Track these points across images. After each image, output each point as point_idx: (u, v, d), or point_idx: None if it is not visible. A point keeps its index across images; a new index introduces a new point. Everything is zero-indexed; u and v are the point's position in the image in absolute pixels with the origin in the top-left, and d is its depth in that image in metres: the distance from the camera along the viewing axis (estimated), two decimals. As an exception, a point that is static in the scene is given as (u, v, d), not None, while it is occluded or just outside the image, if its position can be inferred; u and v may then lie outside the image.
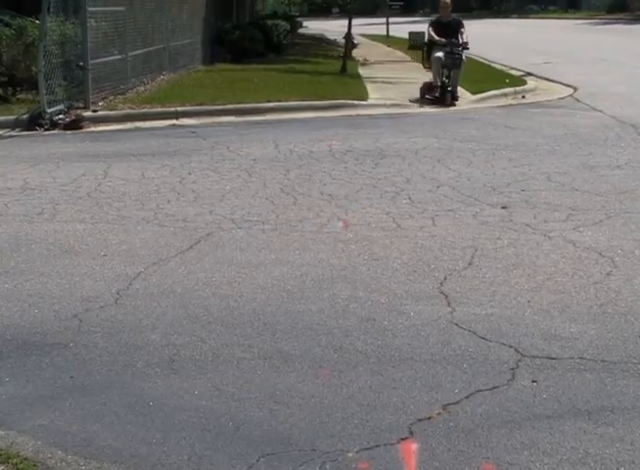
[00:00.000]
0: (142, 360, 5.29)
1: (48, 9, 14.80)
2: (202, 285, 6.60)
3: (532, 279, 6.64)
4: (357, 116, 16.07)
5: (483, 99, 18.23)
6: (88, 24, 15.88)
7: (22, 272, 6.97)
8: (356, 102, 17.14)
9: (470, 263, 7.00)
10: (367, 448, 4.25)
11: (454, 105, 17.10)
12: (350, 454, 4.21)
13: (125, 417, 4.60)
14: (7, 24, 17.77)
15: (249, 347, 5.46)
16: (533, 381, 4.94)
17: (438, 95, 17.29)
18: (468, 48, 17.80)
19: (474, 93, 18.67)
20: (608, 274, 6.74)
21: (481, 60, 27.87)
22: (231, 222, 8.36)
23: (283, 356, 5.31)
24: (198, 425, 4.51)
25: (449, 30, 17.78)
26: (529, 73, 23.07)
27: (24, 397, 4.85)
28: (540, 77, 22.28)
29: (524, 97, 18.71)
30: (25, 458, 4.16)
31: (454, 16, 18.62)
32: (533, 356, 5.25)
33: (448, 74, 17.34)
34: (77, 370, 5.18)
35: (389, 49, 35.48)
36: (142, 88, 19.02)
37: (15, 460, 4.13)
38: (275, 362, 5.23)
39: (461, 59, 17.33)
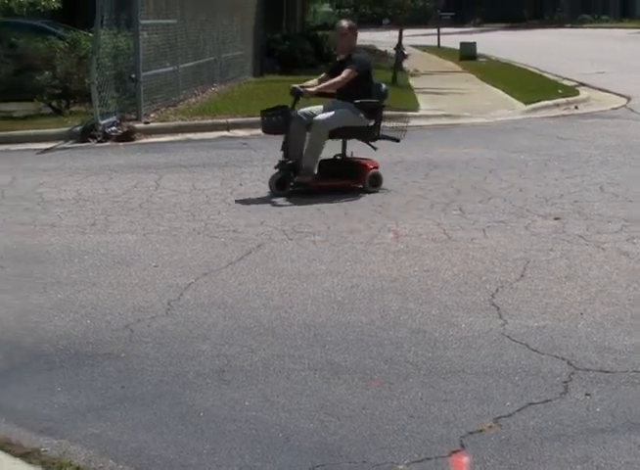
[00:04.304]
0: (193, 371, 5.29)
1: (101, 22, 14.97)
2: (252, 296, 6.60)
3: (585, 291, 6.57)
4: (408, 126, 15.99)
5: (535, 109, 18.10)
6: (140, 37, 16.02)
7: (75, 283, 7.02)
8: (407, 113, 17.05)
9: (522, 275, 6.94)
10: (418, 461, 4.22)
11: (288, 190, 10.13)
12: (401, 467, 4.18)
13: (176, 427, 4.60)
14: (61, 38, 18.00)
15: (299, 358, 5.44)
16: (587, 394, 4.87)
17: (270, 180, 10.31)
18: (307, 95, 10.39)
19: (526, 103, 18.57)
20: (662, 286, 6.65)
21: (533, 70, 27.74)
22: (282, 233, 8.37)
23: (333, 368, 5.29)
24: (248, 436, 4.50)
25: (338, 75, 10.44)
26: (582, 84, 22.87)
27: (76, 406, 4.88)
28: (593, 87, 22.09)
29: (576, 107, 18.56)
30: (78, 467, 4.18)
31: (360, 49, 11.45)
32: (587, 369, 5.19)
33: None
34: (128, 380, 5.20)
35: (440, 60, 35.47)
36: (193, 100, 19.14)
37: (67, 469, 4.15)
38: (325, 374, 5.21)
39: (285, 121, 10.17)
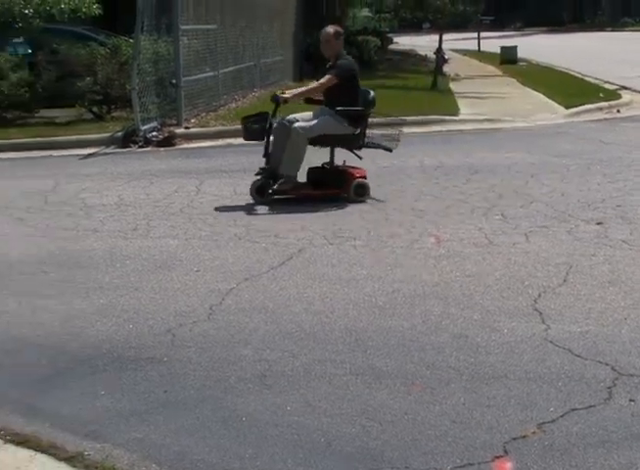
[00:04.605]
0: (234, 376, 5.31)
1: (142, 28, 15.06)
2: (293, 301, 6.61)
3: (629, 296, 6.51)
4: (448, 131, 15.99)
5: (577, 113, 18.00)
6: (181, 42, 16.12)
7: (117, 287, 7.06)
8: (447, 117, 17.06)
9: (564, 280, 6.89)
10: (461, 466, 4.20)
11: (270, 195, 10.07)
12: (444, 472, 4.18)
13: (218, 432, 4.62)
14: (102, 44, 18.14)
15: (340, 363, 5.44)
16: (631, 400, 4.83)
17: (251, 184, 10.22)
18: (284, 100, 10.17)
19: (567, 107, 18.47)
20: None
21: (574, 73, 27.57)
22: (322, 238, 8.37)
23: (375, 373, 5.28)
24: (290, 440, 4.50)
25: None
26: (624, 87, 22.68)
27: (119, 410, 4.90)
28: (635, 91, 21.89)
29: (618, 111, 18.42)
30: (121, 471, 4.21)
31: (346, 55, 10.84)
32: (631, 375, 5.14)
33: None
34: (171, 385, 5.22)
35: (481, 64, 35.29)
36: (233, 105, 19.20)
37: (110, 473, 4.18)
38: (367, 379, 5.21)
39: (263, 128, 10.19)
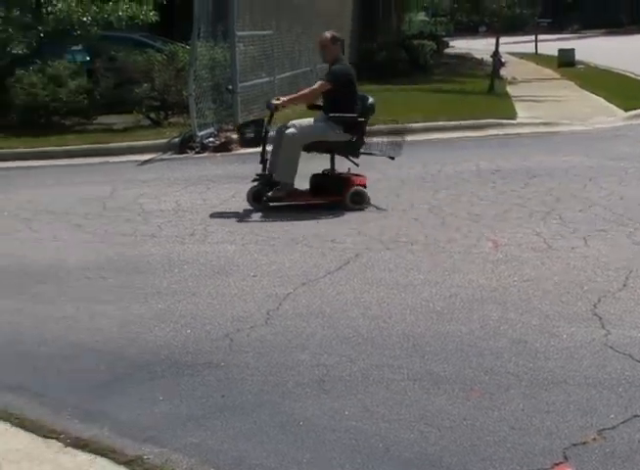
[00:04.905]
0: (292, 380, 5.31)
1: (198, 34, 15.17)
2: (350, 305, 6.60)
3: (691, 301, 6.42)
4: (505, 135, 15.89)
5: (636, 116, 17.78)
6: (237, 49, 16.18)
7: (175, 293, 7.10)
8: (504, 121, 16.95)
9: (624, 285, 6.80)
10: (520, 473, 4.17)
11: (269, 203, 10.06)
12: (503, 479, 4.14)
13: (276, 437, 4.62)
14: (159, 50, 18.30)
15: (398, 368, 5.42)
16: (694, 406, 4.76)
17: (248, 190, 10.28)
18: (276, 108, 10.25)
19: (626, 110, 18.27)
20: None
21: (633, 76, 27.27)
22: (379, 243, 8.35)
23: (433, 378, 5.25)
24: (348, 445, 4.49)
25: None
26: (684, 89, 22.40)
27: (178, 415, 4.92)
28: (696, 93, 21.62)
29: (678, 113, 18.19)
30: (179, 476, 4.23)
31: (343, 60, 10.63)
32: (693, 381, 5.07)
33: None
34: (228, 389, 5.23)
35: (538, 67, 35.02)
36: (289, 110, 19.18)
37: (169, 477, 4.20)
38: (425, 384, 5.18)
39: (259, 134, 10.19)
